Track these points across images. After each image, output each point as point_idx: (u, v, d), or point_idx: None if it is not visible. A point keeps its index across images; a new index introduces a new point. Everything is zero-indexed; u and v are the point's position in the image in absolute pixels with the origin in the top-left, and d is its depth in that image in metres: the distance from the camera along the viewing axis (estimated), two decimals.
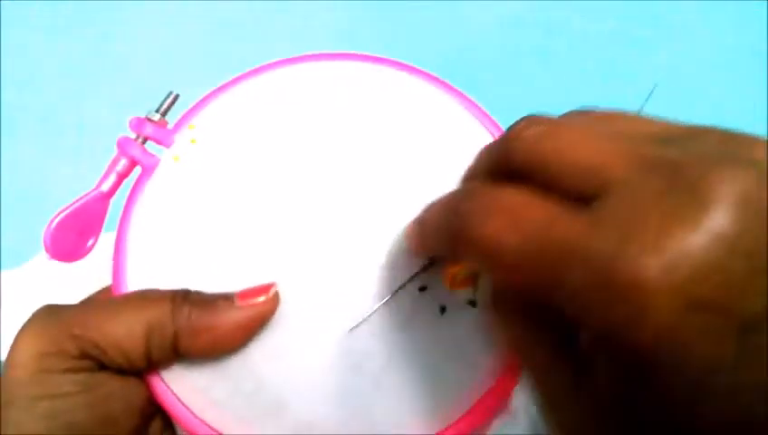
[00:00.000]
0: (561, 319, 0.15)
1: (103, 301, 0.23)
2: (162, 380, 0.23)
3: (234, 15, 0.54)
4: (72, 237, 0.25)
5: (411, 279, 0.23)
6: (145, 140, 0.25)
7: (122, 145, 0.25)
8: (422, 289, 0.23)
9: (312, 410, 0.22)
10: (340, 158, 0.25)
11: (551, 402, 0.17)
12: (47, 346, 0.21)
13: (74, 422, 0.21)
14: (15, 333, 0.21)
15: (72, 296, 0.24)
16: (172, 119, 0.26)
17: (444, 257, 0.22)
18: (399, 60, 0.27)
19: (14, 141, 0.50)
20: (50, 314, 0.22)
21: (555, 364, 0.16)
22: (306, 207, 0.24)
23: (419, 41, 0.53)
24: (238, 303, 0.22)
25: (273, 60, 0.27)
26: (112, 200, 0.26)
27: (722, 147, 0.15)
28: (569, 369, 0.16)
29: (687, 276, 0.13)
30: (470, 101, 0.26)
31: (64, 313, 0.22)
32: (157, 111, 0.26)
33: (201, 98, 0.26)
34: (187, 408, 0.22)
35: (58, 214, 0.24)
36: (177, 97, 0.26)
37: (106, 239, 0.26)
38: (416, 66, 0.27)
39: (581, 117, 0.18)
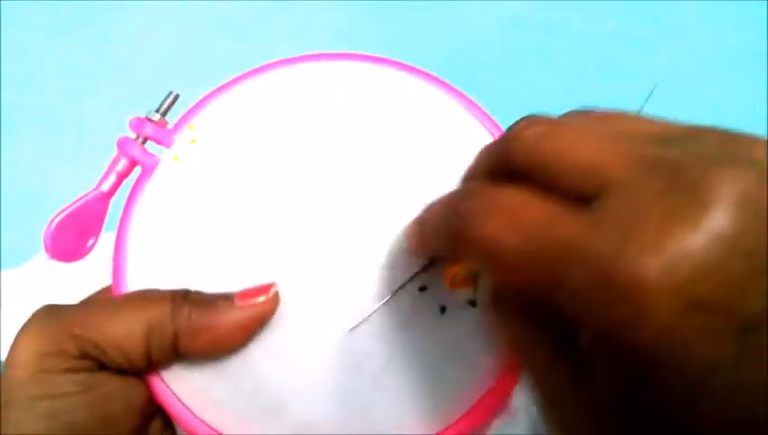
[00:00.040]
0: (561, 319, 0.15)
1: (103, 301, 0.23)
2: (162, 380, 0.23)
3: (234, 15, 0.54)
4: (72, 237, 0.25)
5: (411, 279, 0.23)
6: (145, 139, 0.25)
7: (122, 145, 0.25)
8: (422, 289, 0.23)
9: (312, 410, 0.22)
10: (341, 158, 0.25)
11: (551, 402, 0.17)
12: (47, 346, 0.21)
13: (74, 422, 0.21)
14: (15, 333, 0.21)
15: (72, 296, 0.24)
16: (172, 119, 0.26)
17: (444, 257, 0.22)
18: (399, 60, 0.27)
19: (14, 141, 0.50)
20: (50, 314, 0.22)
21: (555, 364, 0.16)
22: (306, 207, 0.24)
23: (419, 41, 0.53)
24: (238, 303, 0.22)
25: (274, 60, 0.27)
26: (112, 200, 0.26)
27: (722, 147, 0.15)
28: (569, 369, 0.16)
29: (687, 276, 0.13)
30: (470, 101, 0.26)
31: (64, 313, 0.22)
32: (157, 111, 0.26)
33: (201, 98, 0.26)
34: (187, 408, 0.22)
35: (58, 214, 0.24)
36: (177, 97, 0.26)
37: (106, 239, 0.25)
38: (416, 66, 0.27)
39: (581, 117, 0.18)
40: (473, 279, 0.23)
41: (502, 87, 0.52)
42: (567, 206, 0.15)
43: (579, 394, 0.15)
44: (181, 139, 0.25)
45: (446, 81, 0.27)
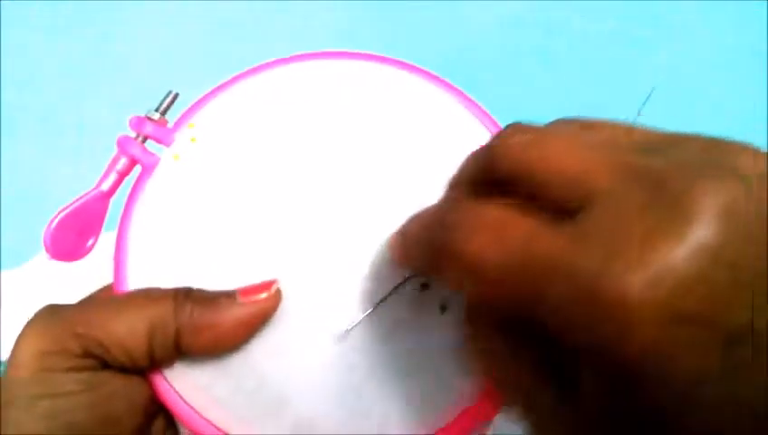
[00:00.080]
0: (544, 334, 0.15)
1: (105, 299, 0.23)
2: (165, 378, 0.23)
3: (234, 15, 0.54)
4: (72, 237, 0.25)
5: (411, 278, 0.23)
6: (145, 138, 0.25)
7: (122, 144, 0.25)
8: (423, 287, 0.23)
9: (313, 408, 0.22)
10: (341, 156, 0.25)
11: (534, 422, 0.17)
12: (49, 345, 0.21)
13: (74, 422, 0.21)
14: (16, 332, 0.21)
15: (73, 296, 0.24)
16: (172, 118, 0.26)
17: (424, 270, 0.22)
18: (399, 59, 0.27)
19: (14, 141, 0.50)
20: (52, 314, 0.22)
21: (536, 380, 0.16)
22: (307, 205, 0.24)
23: (419, 41, 0.53)
24: (240, 299, 0.22)
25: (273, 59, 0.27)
26: (113, 200, 0.26)
27: (705, 155, 0.15)
28: (551, 384, 0.16)
29: (672, 291, 0.13)
30: (470, 100, 0.26)
31: (67, 312, 0.22)
32: (156, 109, 0.26)
33: (201, 96, 0.26)
34: (190, 406, 0.22)
35: (58, 214, 0.24)
36: (176, 96, 0.26)
37: (106, 239, 0.25)
38: (416, 65, 0.27)
39: (568, 125, 0.18)
40: None
41: (502, 87, 0.52)
42: (551, 219, 0.15)
43: (563, 409, 0.15)
44: (181, 137, 0.25)
45: (446, 79, 0.27)
